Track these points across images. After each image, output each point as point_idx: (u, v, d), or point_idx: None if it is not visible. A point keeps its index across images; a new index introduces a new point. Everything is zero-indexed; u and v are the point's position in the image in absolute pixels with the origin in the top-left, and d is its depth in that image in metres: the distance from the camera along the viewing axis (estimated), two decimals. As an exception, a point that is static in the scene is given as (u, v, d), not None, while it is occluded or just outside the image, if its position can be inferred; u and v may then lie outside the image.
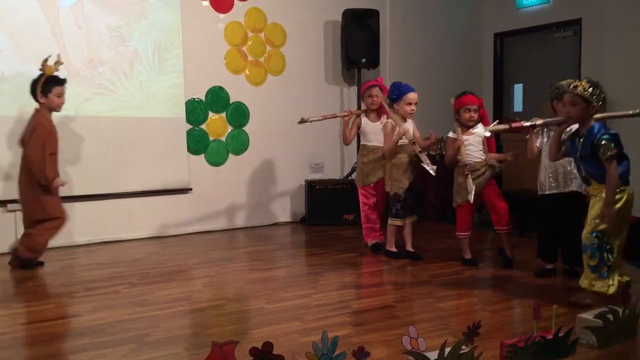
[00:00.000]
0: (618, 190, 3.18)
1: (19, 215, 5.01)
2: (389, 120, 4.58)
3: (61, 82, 4.39)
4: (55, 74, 4.39)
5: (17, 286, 4.09)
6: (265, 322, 3.21)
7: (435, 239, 5.38)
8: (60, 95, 4.38)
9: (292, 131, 6.19)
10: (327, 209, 6.19)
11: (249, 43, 6.11)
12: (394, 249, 4.72)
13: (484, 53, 7.41)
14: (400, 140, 4.50)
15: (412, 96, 4.56)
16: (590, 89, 3.22)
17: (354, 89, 6.57)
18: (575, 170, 3.98)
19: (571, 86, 3.29)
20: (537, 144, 4.02)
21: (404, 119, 4.56)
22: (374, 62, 6.43)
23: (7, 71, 4.92)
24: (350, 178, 6.46)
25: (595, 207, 3.29)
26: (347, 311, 3.42)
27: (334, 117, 5.35)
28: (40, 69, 4.36)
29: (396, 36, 6.84)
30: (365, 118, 5.01)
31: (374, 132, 4.95)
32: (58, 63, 4.34)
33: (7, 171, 4.95)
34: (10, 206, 4.99)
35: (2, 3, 4.89)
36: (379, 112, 4.99)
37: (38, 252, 4.48)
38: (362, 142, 5.08)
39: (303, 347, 2.74)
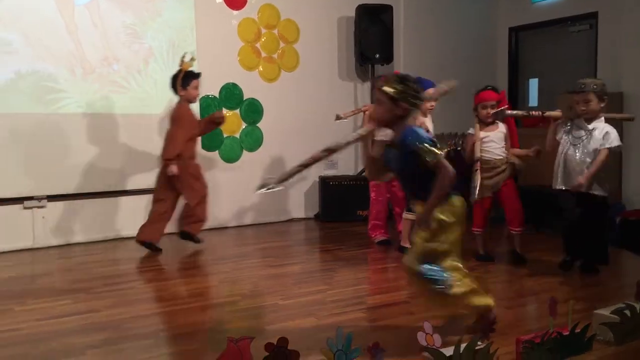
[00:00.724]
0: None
1: (36, 212, 5.08)
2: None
3: (197, 75, 4.84)
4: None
5: (34, 282, 4.14)
6: (280, 318, 3.22)
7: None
8: (197, 87, 4.83)
9: (306, 127, 6.19)
10: (341, 205, 6.18)
11: (263, 39, 6.12)
12: (409, 245, 4.71)
13: (499, 48, 7.35)
14: None
15: (431, 92, 4.55)
16: (399, 86, 2.66)
17: (367, 85, 6.55)
18: (587, 169, 3.91)
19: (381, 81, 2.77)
20: (557, 138, 4.03)
21: (424, 114, 4.55)
22: (387, 58, 6.41)
23: (24, 69, 4.97)
24: (364, 174, 6.44)
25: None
26: (361, 307, 3.42)
27: (360, 112, 5.33)
28: (179, 65, 4.79)
29: (410, 31, 6.81)
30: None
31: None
32: (193, 60, 4.82)
33: (24, 168, 5.00)
34: (27, 203, 5.04)
35: (18, 2, 4.92)
36: None
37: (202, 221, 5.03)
38: (376, 138, 5.04)
39: (318, 343, 2.73)
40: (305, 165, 2.91)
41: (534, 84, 7.12)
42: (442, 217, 2.63)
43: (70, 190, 5.21)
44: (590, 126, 3.92)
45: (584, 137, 3.92)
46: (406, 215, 4.68)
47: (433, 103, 4.56)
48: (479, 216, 4.39)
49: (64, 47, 5.13)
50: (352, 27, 6.47)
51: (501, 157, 4.32)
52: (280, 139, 6.24)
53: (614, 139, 3.86)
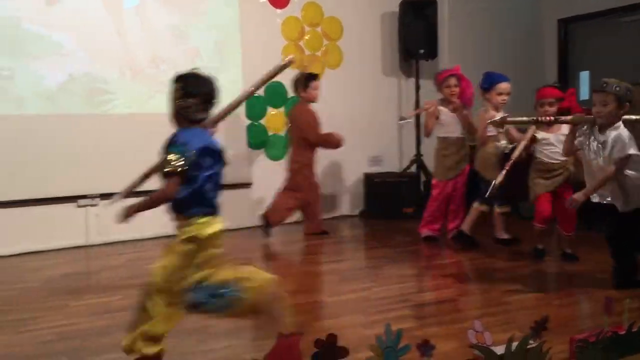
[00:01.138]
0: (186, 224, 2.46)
1: (90, 210, 5.24)
2: (483, 108, 4.56)
3: (316, 76, 5.34)
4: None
5: (88, 278, 4.27)
6: (327, 315, 3.23)
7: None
8: (316, 88, 5.28)
9: (350, 124, 6.18)
10: (386, 203, 6.15)
11: (306, 37, 6.15)
12: (506, 236, 4.73)
13: (547, 40, 7.18)
14: (491, 132, 4.47)
15: (503, 86, 4.49)
16: (172, 86, 2.51)
17: (412, 81, 6.49)
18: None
19: None
20: (576, 143, 3.56)
21: (496, 109, 4.48)
22: (432, 53, 6.35)
23: (76, 72, 5.12)
24: (409, 171, 6.41)
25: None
26: (408, 304, 3.40)
27: (423, 111, 5.23)
28: (300, 69, 5.49)
29: (455, 25, 6.72)
30: (444, 109, 4.86)
31: (454, 122, 4.80)
32: (307, 64, 5.63)
33: (78, 168, 5.15)
34: (80, 202, 5.19)
35: (70, 7, 5.07)
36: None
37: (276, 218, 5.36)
38: (441, 135, 4.91)
39: (366, 340, 2.72)
40: (147, 175, 2.85)
41: (584, 77, 6.93)
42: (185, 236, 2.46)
43: (123, 188, 5.33)
44: (602, 137, 3.39)
45: (600, 151, 3.41)
46: (501, 209, 4.63)
47: (505, 97, 4.48)
48: (540, 211, 4.22)
49: (114, 49, 5.26)
50: (396, 23, 6.42)
51: (558, 162, 4.12)
52: (325, 137, 6.24)
53: (620, 148, 3.32)
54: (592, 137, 3.45)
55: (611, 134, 3.36)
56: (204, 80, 2.54)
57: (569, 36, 7.07)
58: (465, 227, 4.70)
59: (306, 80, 5.24)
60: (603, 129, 3.40)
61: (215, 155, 2.49)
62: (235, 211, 5.83)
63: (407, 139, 6.57)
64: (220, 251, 2.52)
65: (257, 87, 3.03)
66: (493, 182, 4.02)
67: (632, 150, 3.32)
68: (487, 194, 4.09)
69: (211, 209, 2.50)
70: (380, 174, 6.32)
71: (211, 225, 2.47)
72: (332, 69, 6.27)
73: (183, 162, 2.37)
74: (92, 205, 5.24)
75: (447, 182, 4.88)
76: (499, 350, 2.23)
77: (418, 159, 6.36)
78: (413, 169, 6.40)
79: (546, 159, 4.15)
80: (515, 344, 2.25)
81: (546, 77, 6.99)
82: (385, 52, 6.54)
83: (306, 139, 5.23)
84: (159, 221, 5.53)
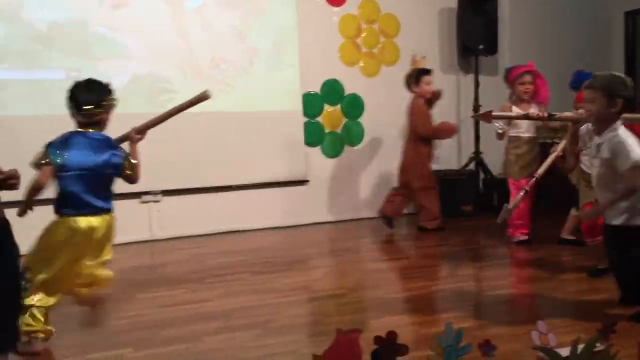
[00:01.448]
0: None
1: (153, 206, 5.40)
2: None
3: (427, 72, 5.33)
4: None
5: (152, 272, 4.40)
6: (385, 313, 3.23)
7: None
8: (429, 83, 5.27)
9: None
10: (444, 201, 6.04)
11: (363, 35, 6.14)
12: (571, 237, 4.60)
13: (614, 34, 6.92)
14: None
15: None
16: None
17: (470, 77, 6.39)
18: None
19: None
20: (580, 145, 3.18)
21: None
22: (491, 49, 6.23)
23: (140, 72, 5.28)
24: (467, 168, 6.31)
25: None
26: (468, 304, 3.37)
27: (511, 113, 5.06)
28: (411, 64, 5.68)
29: (515, 20, 6.57)
30: (515, 107, 4.69)
31: (527, 122, 4.59)
32: (423, 58, 5.65)
33: (141, 165, 5.30)
34: (144, 197, 5.36)
35: (135, 9, 5.24)
36: (530, 100, 4.70)
37: (437, 219, 5.35)
38: (512, 134, 4.75)
39: (425, 338, 2.73)
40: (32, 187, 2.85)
41: (654, 72, 6.65)
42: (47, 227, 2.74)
43: (184, 185, 5.48)
44: (599, 139, 2.93)
45: (596, 154, 2.97)
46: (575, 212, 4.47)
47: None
48: (584, 227, 3.91)
49: (176, 50, 5.39)
50: (454, 19, 6.33)
51: None
52: (382, 133, 6.23)
53: (624, 158, 2.79)
54: (589, 140, 3.05)
55: (605, 139, 2.89)
56: (85, 88, 2.86)
57: (637, 29, 6.79)
58: (565, 234, 4.60)
59: (418, 75, 5.28)
60: (598, 129, 2.94)
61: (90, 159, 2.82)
62: (291, 208, 5.92)
63: (465, 136, 6.47)
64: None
65: (171, 115, 3.24)
66: (505, 206, 3.85)
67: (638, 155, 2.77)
68: (499, 218, 3.86)
69: (81, 210, 2.76)
70: (438, 172, 6.23)
71: (70, 226, 2.73)
72: (389, 66, 6.24)
73: (48, 158, 2.69)
74: (154, 202, 5.40)
75: (523, 180, 4.74)
76: (564, 352, 2.18)
77: (477, 157, 6.26)
78: (471, 166, 6.31)
79: (587, 170, 3.91)
80: (581, 347, 2.19)
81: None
82: (443, 48, 6.46)
83: (418, 133, 5.26)
84: (216, 218, 5.71)
